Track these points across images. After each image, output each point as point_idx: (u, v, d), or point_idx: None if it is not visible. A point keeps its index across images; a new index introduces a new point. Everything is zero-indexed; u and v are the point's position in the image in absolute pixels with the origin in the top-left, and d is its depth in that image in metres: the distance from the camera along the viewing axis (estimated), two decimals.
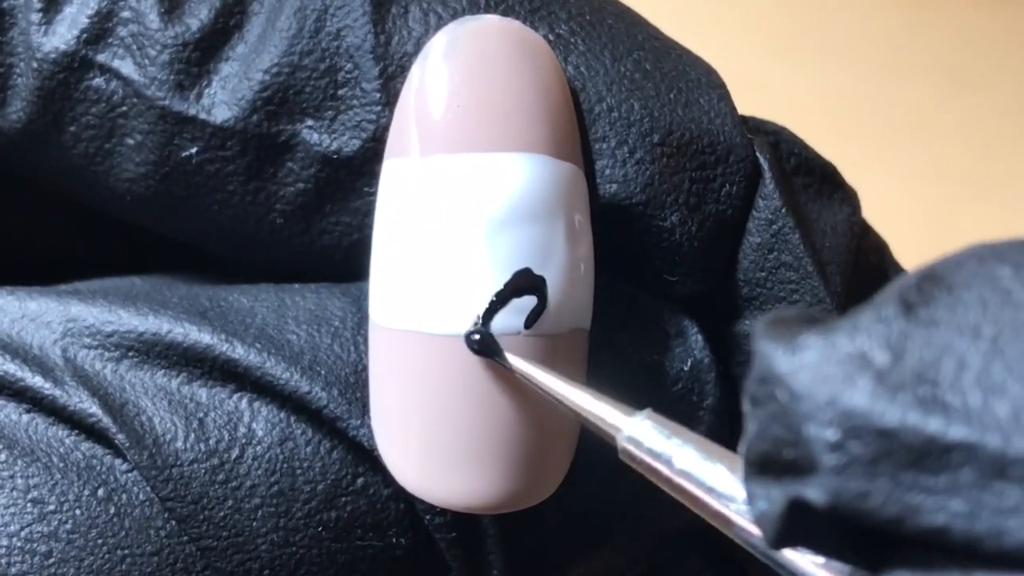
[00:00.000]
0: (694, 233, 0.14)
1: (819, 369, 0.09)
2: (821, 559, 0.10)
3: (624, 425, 0.11)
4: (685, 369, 0.14)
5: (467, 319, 0.12)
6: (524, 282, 0.12)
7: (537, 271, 0.12)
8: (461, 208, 0.12)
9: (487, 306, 0.12)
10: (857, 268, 0.15)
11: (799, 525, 0.09)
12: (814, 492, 0.09)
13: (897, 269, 0.16)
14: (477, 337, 0.12)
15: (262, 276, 0.14)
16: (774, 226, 0.14)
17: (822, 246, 0.14)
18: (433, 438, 0.12)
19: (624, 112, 0.13)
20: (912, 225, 0.59)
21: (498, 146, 0.12)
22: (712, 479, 0.10)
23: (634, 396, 0.13)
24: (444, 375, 0.12)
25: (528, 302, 0.12)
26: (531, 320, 0.12)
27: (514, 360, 0.12)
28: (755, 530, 0.10)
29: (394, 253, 0.12)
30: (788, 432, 0.09)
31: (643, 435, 0.11)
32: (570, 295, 0.12)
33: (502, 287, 0.12)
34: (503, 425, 0.12)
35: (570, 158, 0.13)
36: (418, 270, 0.12)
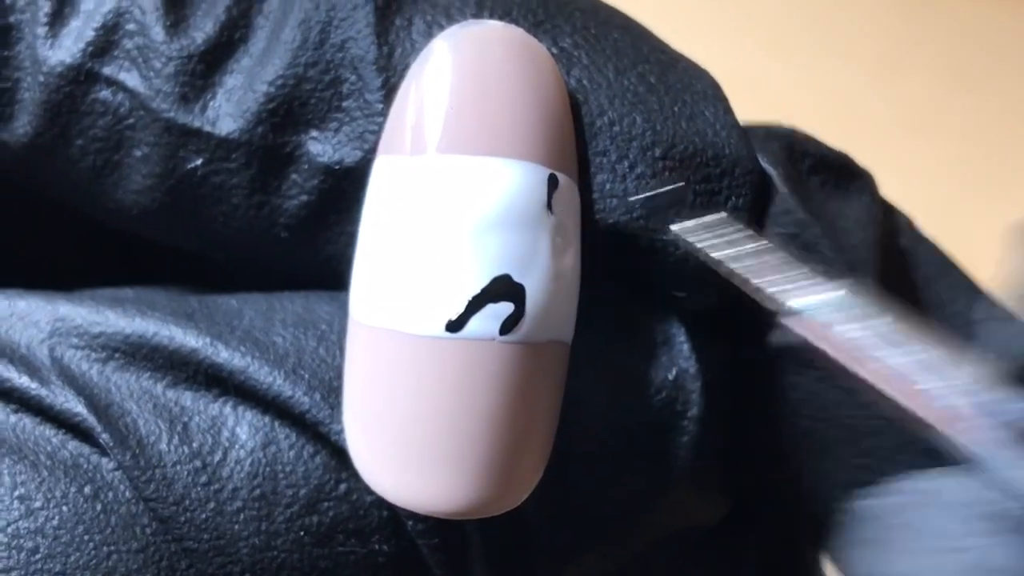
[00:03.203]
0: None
1: None
2: None
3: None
4: (670, 378, 0.14)
5: (441, 321, 0.12)
6: (502, 288, 0.12)
7: (517, 278, 0.12)
8: (446, 210, 0.12)
9: (463, 309, 0.12)
10: (885, 254, 0.15)
11: None
12: None
13: (922, 241, 0.16)
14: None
15: (262, 287, 0.14)
16: (800, 239, 0.14)
17: (850, 245, 0.14)
18: (404, 439, 0.12)
19: (626, 126, 0.13)
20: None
21: (490, 150, 0.12)
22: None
23: (616, 403, 0.13)
24: (416, 375, 0.12)
25: (505, 309, 0.12)
26: (507, 327, 0.12)
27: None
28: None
29: (377, 249, 0.12)
30: None
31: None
32: (550, 306, 0.12)
33: (479, 292, 0.12)
34: (475, 429, 0.12)
35: (563, 169, 0.13)
36: (398, 268, 0.12)
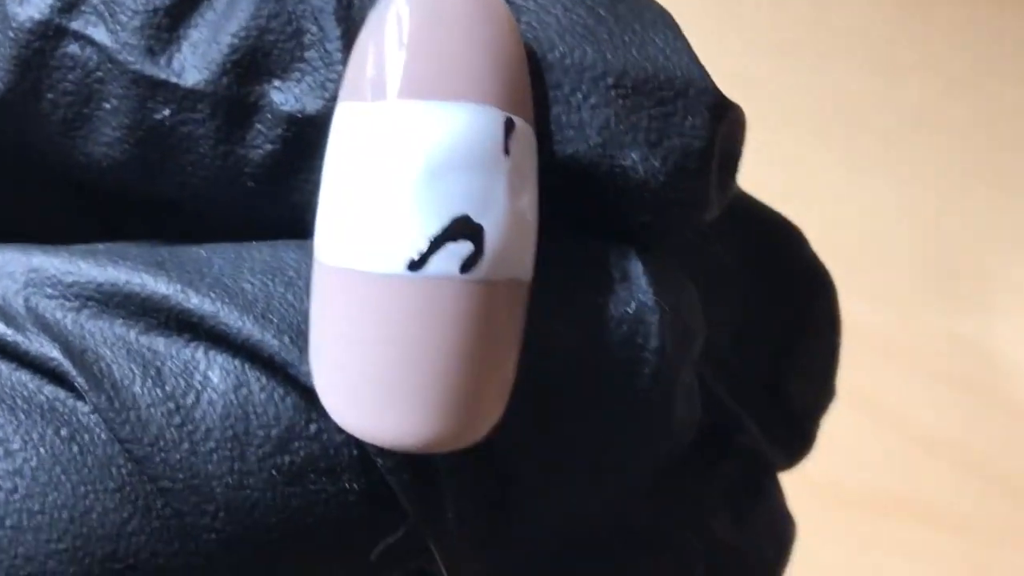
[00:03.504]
0: (658, 168, 0.14)
1: None
2: None
3: None
4: (629, 311, 0.14)
5: (403, 260, 0.12)
6: (462, 228, 0.13)
7: (476, 219, 0.13)
8: (405, 153, 0.13)
9: (425, 248, 0.12)
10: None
11: None
12: None
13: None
14: None
15: (232, 241, 0.15)
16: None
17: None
18: (367, 376, 0.13)
19: (577, 58, 0.14)
20: (912, 225, 0.59)
21: (447, 95, 0.13)
22: None
23: (578, 338, 0.14)
24: (379, 313, 0.13)
25: (465, 248, 0.13)
26: (467, 265, 0.13)
27: None
28: None
29: (339, 192, 0.13)
30: None
31: None
32: (508, 244, 0.13)
33: (439, 231, 0.12)
34: (437, 364, 0.13)
35: (520, 113, 0.13)
36: (360, 209, 0.13)
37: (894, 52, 0.62)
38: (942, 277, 0.58)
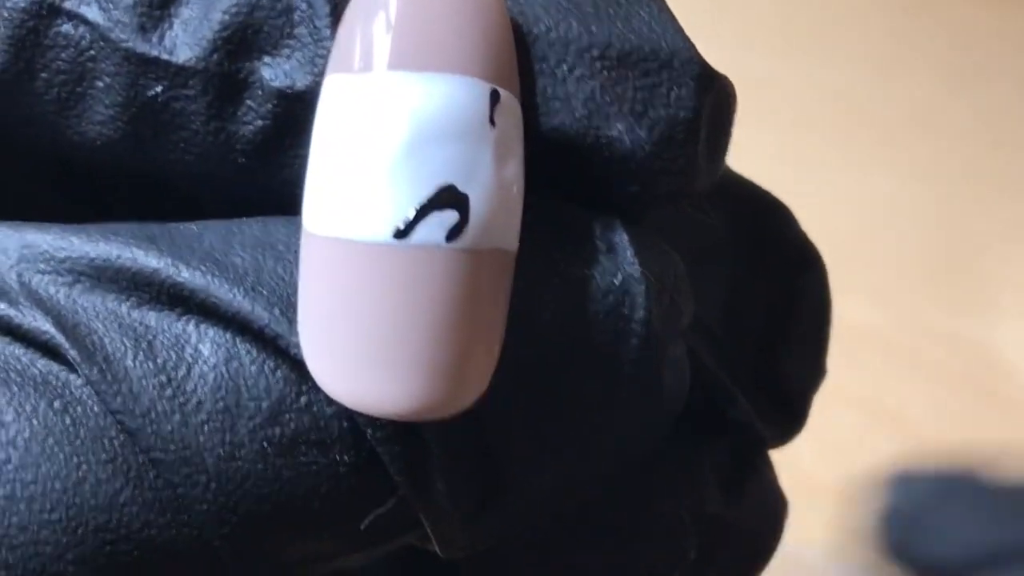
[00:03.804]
0: (644, 138, 0.14)
1: None
2: None
3: None
4: (615, 283, 0.14)
5: (389, 228, 0.13)
6: (447, 197, 0.13)
7: (462, 188, 0.13)
8: (392, 123, 0.13)
9: (411, 217, 0.13)
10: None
11: None
12: None
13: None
14: None
15: (222, 218, 0.15)
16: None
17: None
18: (355, 344, 0.13)
19: (562, 31, 0.14)
20: (912, 224, 0.59)
21: (433, 66, 0.13)
22: None
23: (564, 309, 0.14)
24: (366, 281, 0.13)
25: (451, 216, 0.13)
26: (452, 234, 0.13)
27: None
28: None
29: (327, 162, 0.13)
30: None
31: None
32: (493, 214, 0.13)
33: (425, 200, 0.13)
34: (423, 332, 0.13)
35: (505, 85, 0.13)
36: (347, 179, 0.13)
37: (894, 51, 0.62)
38: (942, 277, 0.58)
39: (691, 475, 0.16)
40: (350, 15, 0.13)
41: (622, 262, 0.14)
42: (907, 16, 0.60)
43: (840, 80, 0.60)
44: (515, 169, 0.13)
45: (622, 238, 0.14)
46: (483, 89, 0.13)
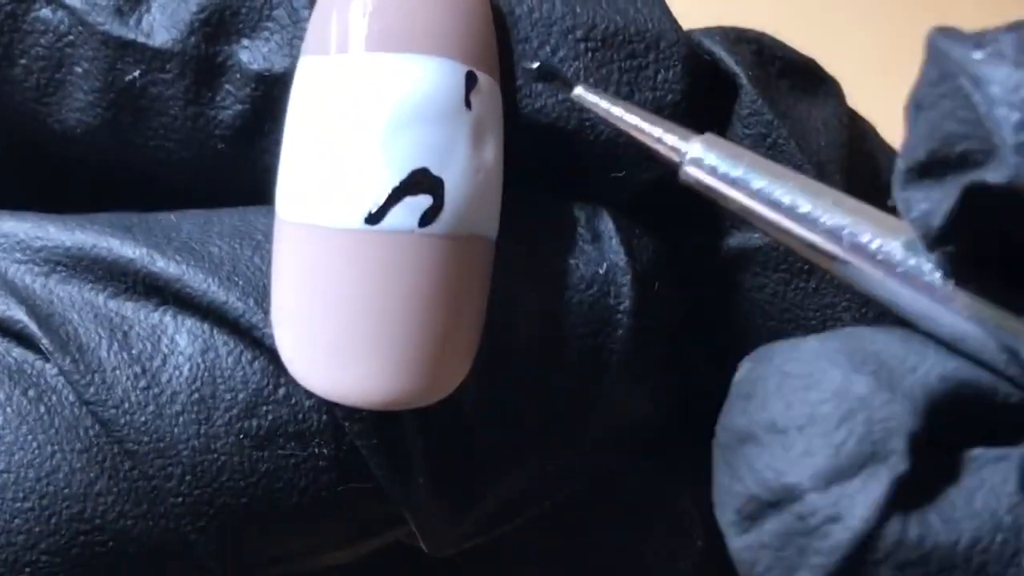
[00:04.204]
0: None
1: (1009, 56, 0.10)
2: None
3: (684, 147, 0.13)
4: (600, 272, 0.14)
5: (360, 214, 0.12)
6: (420, 180, 0.12)
7: (436, 172, 0.12)
8: (363, 105, 0.12)
9: (382, 201, 0.12)
10: (851, 156, 0.15)
11: (964, 219, 0.10)
12: (994, 174, 0.10)
13: (887, 151, 0.16)
14: (536, 65, 0.13)
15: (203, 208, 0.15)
16: (768, 139, 0.14)
17: (818, 146, 0.14)
18: (329, 332, 0.12)
19: (545, 11, 0.14)
20: None
21: (407, 47, 0.13)
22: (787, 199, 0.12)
23: (548, 299, 0.14)
24: (338, 268, 0.12)
25: (424, 201, 0.12)
26: (426, 219, 0.12)
27: (580, 90, 0.13)
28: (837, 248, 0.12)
29: (300, 146, 0.13)
30: (964, 124, 0.10)
31: (706, 157, 0.12)
32: (470, 199, 0.13)
33: (397, 184, 0.12)
34: (398, 320, 0.12)
35: (483, 67, 0.13)
36: (318, 164, 0.13)
37: (894, 51, 0.61)
38: None
39: (696, 465, 0.16)
40: None
41: (607, 251, 0.14)
42: (907, 16, 0.59)
43: (839, 80, 0.59)
44: (493, 153, 0.13)
45: (607, 226, 0.14)
46: (459, 71, 0.13)
